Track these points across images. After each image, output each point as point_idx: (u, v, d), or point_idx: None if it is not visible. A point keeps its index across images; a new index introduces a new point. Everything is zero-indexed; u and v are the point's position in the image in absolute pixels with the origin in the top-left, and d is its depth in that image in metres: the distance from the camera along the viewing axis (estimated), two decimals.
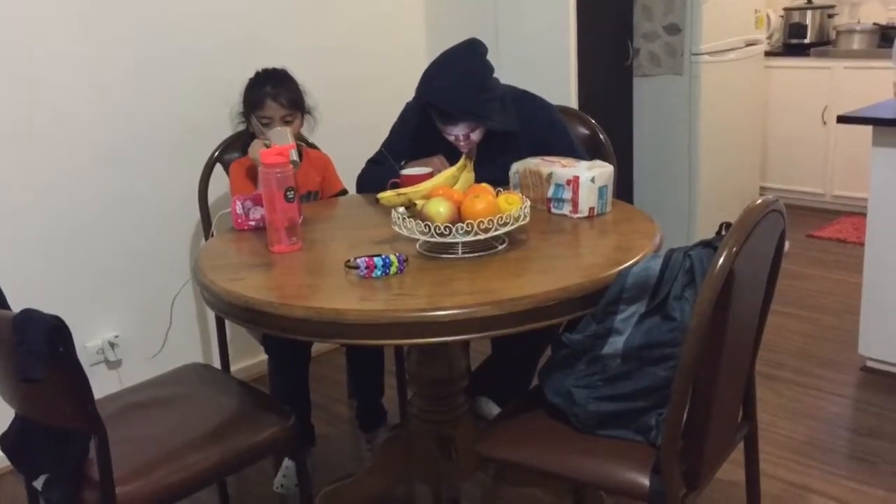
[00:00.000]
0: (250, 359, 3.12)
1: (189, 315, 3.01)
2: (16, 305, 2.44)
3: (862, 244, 2.91)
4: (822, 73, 4.76)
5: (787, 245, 4.22)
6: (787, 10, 5.07)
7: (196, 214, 2.68)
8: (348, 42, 3.35)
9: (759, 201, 1.51)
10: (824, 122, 4.74)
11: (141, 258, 2.85)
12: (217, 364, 2.75)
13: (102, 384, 2.74)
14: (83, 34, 2.63)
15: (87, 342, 2.76)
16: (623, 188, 3.82)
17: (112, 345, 2.80)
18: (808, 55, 4.84)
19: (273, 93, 2.45)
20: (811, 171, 4.92)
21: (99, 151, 2.71)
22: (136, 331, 2.85)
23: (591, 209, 2.08)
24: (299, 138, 2.62)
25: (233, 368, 2.82)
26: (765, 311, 1.73)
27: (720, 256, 1.43)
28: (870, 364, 2.97)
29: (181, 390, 1.96)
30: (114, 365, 2.84)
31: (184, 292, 2.86)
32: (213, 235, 2.36)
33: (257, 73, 2.54)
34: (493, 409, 2.36)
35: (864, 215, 2.89)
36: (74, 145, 2.65)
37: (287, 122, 2.45)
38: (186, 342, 3.00)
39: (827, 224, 4.65)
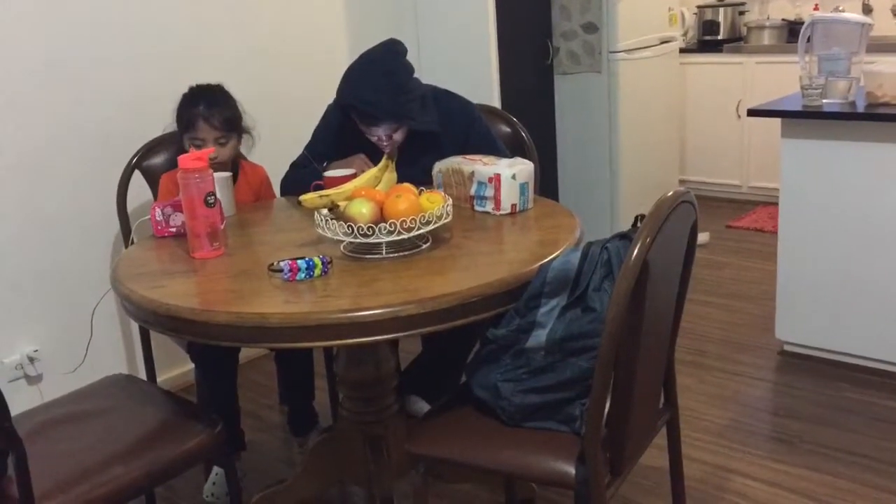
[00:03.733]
0: (177, 368, 3.07)
1: (112, 326, 2.94)
2: None
3: (776, 232, 3.02)
4: (734, 69, 4.92)
5: (706, 236, 4.36)
6: (700, 7, 5.23)
7: (116, 223, 2.62)
8: (269, 48, 3.32)
9: (671, 193, 1.56)
10: (739, 116, 4.90)
11: (59, 269, 2.77)
12: (142, 376, 2.70)
13: (23, 400, 2.67)
14: None
15: (5, 358, 2.68)
16: (547, 184, 3.88)
17: (31, 359, 2.72)
18: (721, 51, 4.99)
19: (206, 113, 2.35)
20: (728, 163, 5.08)
21: (9, 159, 2.63)
22: (57, 344, 2.77)
23: (514, 206, 2.11)
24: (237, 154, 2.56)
25: (159, 379, 2.76)
26: (681, 300, 1.79)
27: (634, 248, 1.47)
28: (787, 348, 3.08)
29: (104, 403, 1.92)
30: (34, 380, 2.76)
31: (106, 303, 2.79)
32: (133, 244, 2.31)
33: (191, 90, 2.43)
34: (424, 407, 2.38)
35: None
36: None
37: (220, 144, 2.37)
38: (110, 354, 2.93)
39: (744, 214, 4.80)
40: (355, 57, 2.42)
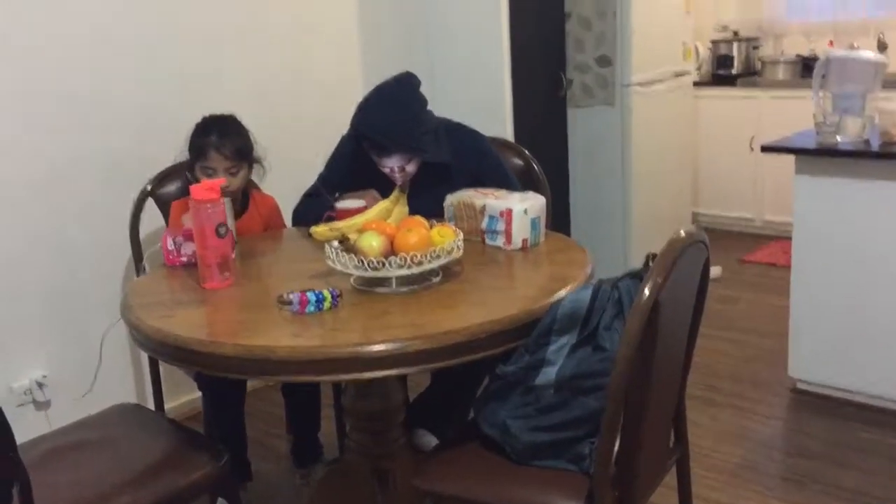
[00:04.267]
0: (185, 396, 3.06)
1: (121, 353, 2.94)
2: None
3: (790, 267, 3.00)
4: (748, 103, 4.92)
5: (719, 270, 4.33)
6: (714, 42, 5.24)
7: (127, 249, 2.63)
8: (284, 78, 3.34)
9: (682, 233, 1.55)
10: (752, 150, 4.89)
11: (70, 295, 2.78)
12: (150, 403, 2.69)
13: (30, 426, 2.67)
14: (9, 72, 2.57)
15: (14, 382, 2.68)
16: (559, 216, 3.88)
17: (40, 385, 2.72)
18: (735, 85, 5.00)
19: (217, 143, 2.36)
20: (742, 196, 5.06)
21: (24, 184, 2.64)
22: (66, 370, 2.77)
23: (525, 240, 2.10)
24: (248, 183, 2.57)
25: (167, 406, 2.75)
26: (692, 339, 1.77)
27: (645, 288, 1.46)
28: (799, 385, 3.05)
29: (110, 432, 1.91)
30: (42, 406, 2.75)
31: (116, 330, 2.78)
32: (144, 272, 2.32)
33: (204, 120, 2.45)
34: (432, 441, 2.36)
35: None
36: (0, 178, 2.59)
37: (231, 174, 2.38)
38: (118, 381, 2.92)
39: (758, 248, 4.78)
40: (369, 87, 2.43)
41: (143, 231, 2.65)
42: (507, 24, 3.55)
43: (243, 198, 2.52)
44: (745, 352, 3.42)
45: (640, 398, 1.55)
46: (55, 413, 2.76)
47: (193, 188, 1.92)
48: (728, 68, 5.14)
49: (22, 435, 2.53)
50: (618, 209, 3.96)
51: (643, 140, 3.92)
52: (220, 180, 2.16)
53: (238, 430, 2.39)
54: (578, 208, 4.05)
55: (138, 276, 2.50)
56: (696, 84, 4.80)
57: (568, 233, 3.99)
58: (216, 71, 3.10)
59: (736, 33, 5.21)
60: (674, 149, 4.21)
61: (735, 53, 5.13)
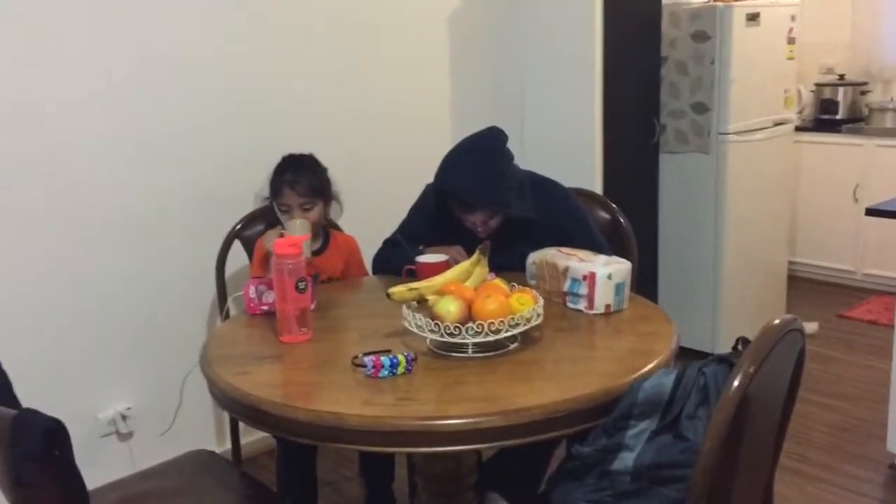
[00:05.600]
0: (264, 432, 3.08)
1: (203, 391, 2.95)
2: (35, 374, 2.48)
3: (893, 326, 2.82)
4: (853, 150, 4.71)
5: (815, 325, 4.13)
6: (818, 85, 5.04)
7: (213, 288, 2.68)
8: (375, 122, 3.36)
9: (777, 322, 1.46)
10: (856, 200, 4.67)
11: (157, 331, 2.84)
12: (228, 441, 2.72)
13: (113, 457, 2.74)
14: (102, 107, 2.65)
15: (99, 413, 2.75)
16: (647, 264, 3.77)
17: (124, 416, 2.78)
18: (839, 132, 4.79)
19: (292, 180, 2.44)
20: (842, 247, 4.84)
21: (118, 223, 2.72)
22: (149, 404, 2.83)
23: (608, 306, 2.04)
24: (328, 222, 2.60)
25: (244, 441, 2.78)
26: (783, 430, 1.67)
27: (734, 379, 1.38)
28: None
29: (181, 482, 1.93)
30: (125, 437, 2.82)
31: (198, 370, 2.84)
32: (227, 316, 2.34)
33: (283, 159, 2.53)
34: None
35: None
36: (92, 216, 2.66)
37: (305, 210, 2.44)
38: (199, 419, 2.94)
39: (857, 304, 4.55)
40: (458, 135, 2.41)
41: (231, 269, 2.69)
42: (601, 67, 3.49)
43: (324, 236, 2.55)
44: (839, 419, 3.24)
45: (723, 494, 1.46)
46: (137, 445, 2.82)
47: (276, 243, 1.94)
48: (832, 113, 4.93)
49: (105, 465, 2.61)
50: (709, 257, 3.82)
51: (738, 188, 3.78)
52: (304, 236, 2.18)
53: (309, 481, 2.39)
54: (668, 255, 3.93)
55: (221, 315, 2.55)
56: (797, 129, 4.61)
57: (655, 279, 3.88)
58: (307, 116, 3.13)
59: (842, 77, 5.00)
60: (771, 197, 4.04)
61: (840, 98, 4.92)
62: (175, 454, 2.14)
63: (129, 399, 2.81)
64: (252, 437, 3.04)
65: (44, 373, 2.59)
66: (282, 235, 2.28)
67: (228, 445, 2.79)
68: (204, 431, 2.94)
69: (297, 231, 2.31)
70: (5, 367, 1.68)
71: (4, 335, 2.48)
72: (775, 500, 1.80)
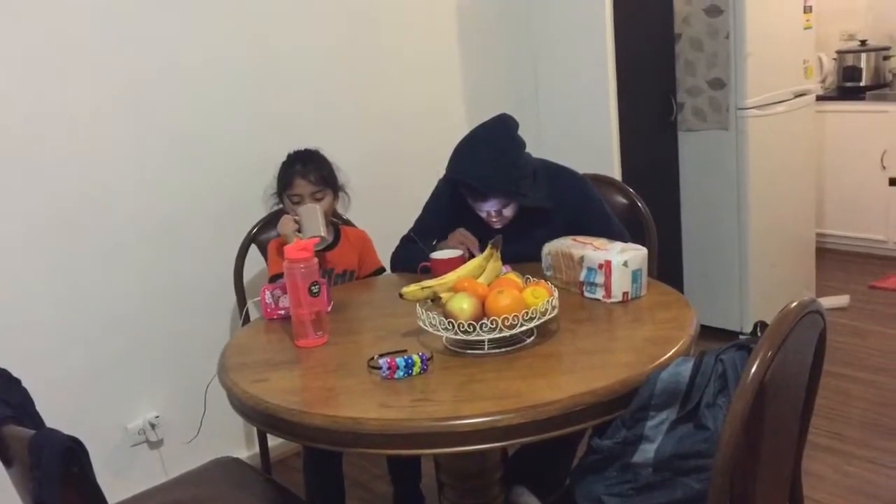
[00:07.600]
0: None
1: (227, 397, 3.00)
2: (65, 389, 2.51)
3: None
4: (879, 117, 4.61)
5: (846, 298, 4.06)
6: (840, 52, 4.93)
7: (234, 293, 2.69)
8: (387, 115, 3.35)
9: (795, 304, 1.42)
10: (884, 167, 4.57)
11: (181, 338, 2.86)
12: (256, 445, 2.73)
13: (145, 465, 2.77)
14: (124, 116, 2.66)
15: (129, 423, 2.77)
16: (671, 245, 3.72)
17: (153, 425, 2.80)
18: (863, 98, 4.69)
19: (302, 171, 2.48)
20: (872, 216, 4.74)
21: (140, 228, 2.73)
22: (176, 411, 2.85)
23: (625, 294, 2.01)
24: (335, 216, 2.62)
25: (273, 444, 2.80)
26: (807, 413, 1.63)
27: (752, 365, 1.34)
28: None
29: (208, 491, 1.94)
30: (155, 445, 2.84)
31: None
32: (247, 320, 2.35)
33: (288, 156, 2.56)
34: (530, 499, 2.28)
35: None
36: (117, 223, 2.68)
37: (317, 199, 2.47)
38: (226, 423, 2.91)
39: (890, 274, 4.45)
40: (473, 125, 2.39)
41: (249, 274, 2.70)
42: (612, 47, 3.45)
43: (335, 232, 2.57)
44: (876, 394, 3.17)
45: (746, 482, 1.43)
46: (168, 451, 2.84)
47: (288, 248, 1.93)
48: (856, 80, 4.83)
49: (137, 474, 2.64)
50: (733, 233, 3.75)
51: (760, 162, 3.70)
52: (314, 240, 2.18)
53: (336, 484, 2.39)
54: (691, 235, 3.87)
55: (242, 320, 2.55)
56: (820, 98, 4.52)
57: (679, 260, 3.82)
58: (321, 112, 3.13)
59: (864, 42, 4.88)
60: (795, 169, 3.96)
61: (863, 64, 4.81)
62: (205, 459, 2.16)
63: (157, 407, 2.83)
64: (280, 440, 3.05)
65: (73, 387, 2.62)
66: (296, 221, 2.34)
67: (257, 449, 2.81)
68: (232, 436, 2.96)
69: (310, 214, 2.35)
70: (35, 384, 1.69)
71: (34, 352, 2.52)
72: (810, 480, 1.76)
